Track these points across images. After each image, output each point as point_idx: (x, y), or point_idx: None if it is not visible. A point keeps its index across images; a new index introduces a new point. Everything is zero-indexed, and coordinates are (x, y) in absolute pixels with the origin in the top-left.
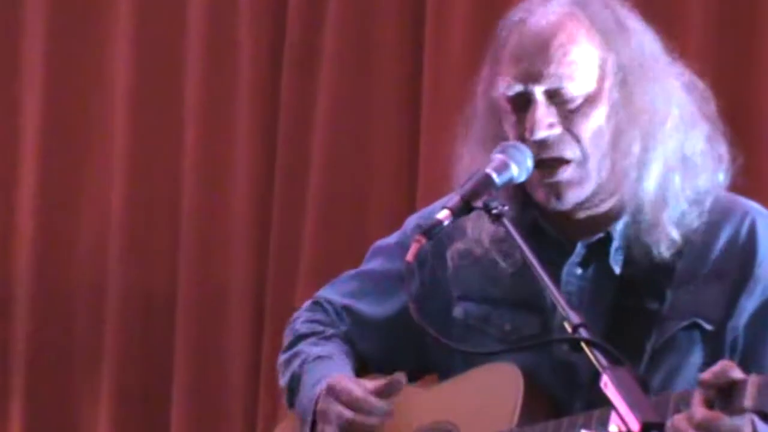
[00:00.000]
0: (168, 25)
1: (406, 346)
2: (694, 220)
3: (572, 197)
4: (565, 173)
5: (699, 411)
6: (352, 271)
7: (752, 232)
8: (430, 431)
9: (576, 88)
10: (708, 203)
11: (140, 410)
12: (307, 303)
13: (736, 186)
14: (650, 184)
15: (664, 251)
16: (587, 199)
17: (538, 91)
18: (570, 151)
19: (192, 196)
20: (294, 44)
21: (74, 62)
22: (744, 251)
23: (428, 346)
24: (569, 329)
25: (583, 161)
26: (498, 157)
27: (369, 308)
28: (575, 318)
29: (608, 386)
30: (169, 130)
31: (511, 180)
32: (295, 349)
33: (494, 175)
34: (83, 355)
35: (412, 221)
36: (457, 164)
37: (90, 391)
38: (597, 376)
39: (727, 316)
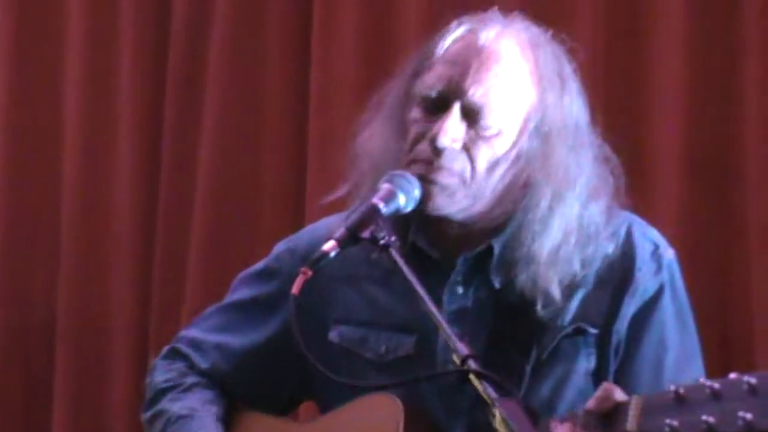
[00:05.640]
0: (46, 54)
1: (282, 373)
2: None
3: (440, 203)
4: (446, 179)
5: None
6: (217, 305)
7: (629, 238)
8: None
9: (493, 118)
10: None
11: None
12: (166, 349)
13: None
14: (547, 242)
15: (540, 304)
16: (459, 219)
17: (457, 104)
18: (459, 166)
19: (71, 224)
20: (177, 68)
21: None
22: (623, 257)
23: (307, 371)
24: (457, 361)
25: (468, 182)
26: (385, 186)
27: (238, 340)
28: (463, 350)
29: (498, 419)
30: (47, 158)
31: (398, 210)
32: (156, 408)
33: (381, 205)
34: None
35: (280, 246)
36: (357, 137)
37: None
38: (479, 400)
39: (612, 320)
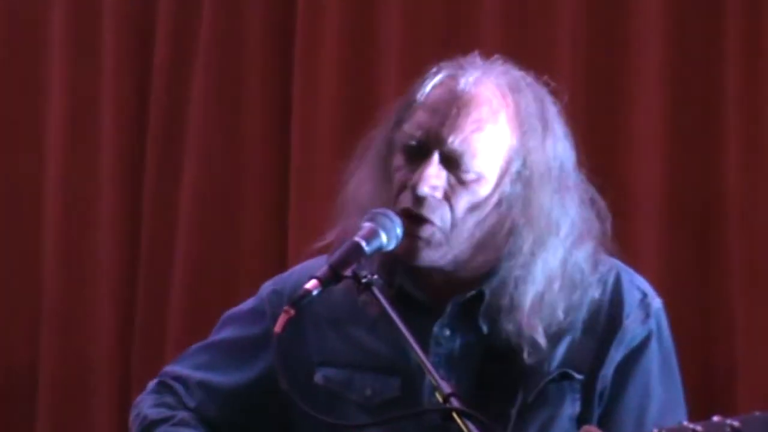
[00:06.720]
0: (28, 106)
1: (265, 415)
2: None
3: (426, 257)
4: (427, 231)
5: None
6: (202, 343)
7: (618, 286)
8: None
9: (474, 164)
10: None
11: None
12: (153, 383)
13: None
14: (530, 288)
15: (526, 352)
16: (444, 267)
17: (436, 152)
18: (440, 218)
19: (54, 266)
20: (158, 118)
21: None
22: (611, 304)
23: (291, 414)
24: (440, 399)
25: (449, 231)
26: (367, 225)
27: (223, 379)
28: (446, 388)
29: None
30: (29, 203)
31: (380, 248)
32: None
33: (363, 244)
34: None
35: (267, 287)
36: (343, 185)
37: None
38: None
39: (598, 365)
